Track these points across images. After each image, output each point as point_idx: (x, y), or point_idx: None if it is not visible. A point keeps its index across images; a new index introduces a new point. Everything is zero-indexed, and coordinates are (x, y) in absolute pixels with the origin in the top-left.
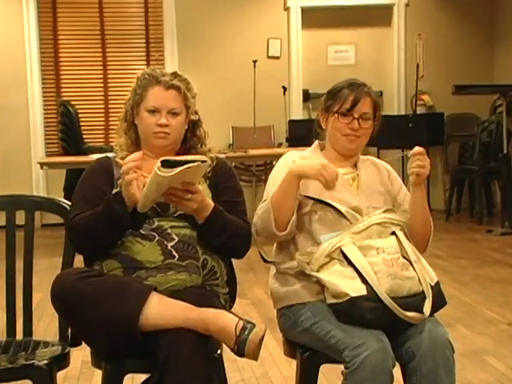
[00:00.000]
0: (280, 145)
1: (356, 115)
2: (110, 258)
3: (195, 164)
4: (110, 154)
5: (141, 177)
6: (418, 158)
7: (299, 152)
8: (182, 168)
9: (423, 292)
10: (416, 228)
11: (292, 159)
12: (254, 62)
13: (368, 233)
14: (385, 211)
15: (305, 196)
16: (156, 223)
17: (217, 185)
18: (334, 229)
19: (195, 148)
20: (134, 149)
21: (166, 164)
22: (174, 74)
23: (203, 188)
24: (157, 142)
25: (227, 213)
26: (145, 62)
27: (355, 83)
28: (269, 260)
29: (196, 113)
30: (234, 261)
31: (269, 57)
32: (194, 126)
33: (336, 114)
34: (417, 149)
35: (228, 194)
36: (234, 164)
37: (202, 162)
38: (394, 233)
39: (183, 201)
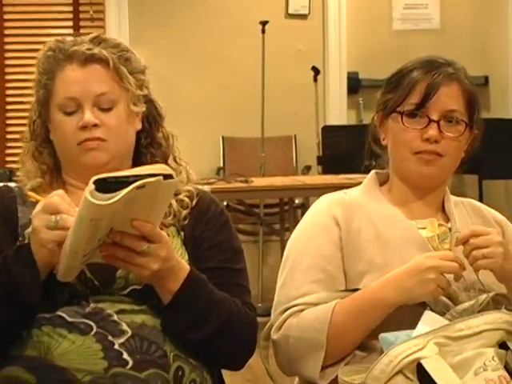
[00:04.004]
0: (308, 169)
1: (434, 116)
2: (12, 365)
3: (153, 180)
4: (11, 184)
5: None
6: (469, 244)
7: (340, 194)
8: (130, 188)
9: None
10: None
11: (331, 215)
12: (263, 24)
13: (466, 341)
14: (497, 299)
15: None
16: (92, 305)
17: (199, 240)
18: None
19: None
20: (52, 176)
21: (103, 187)
22: (97, 40)
23: (174, 244)
24: (86, 158)
25: (215, 287)
26: (71, 24)
27: (433, 61)
28: None
29: (150, 100)
30: (225, 373)
31: (289, 15)
32: (150, 124)
33: (398, 116)
34: (462, 236)
35: (218, 257)
36: (225, 203)
37: (165, 176)
38: (504, 345)
39: (134, 256)
